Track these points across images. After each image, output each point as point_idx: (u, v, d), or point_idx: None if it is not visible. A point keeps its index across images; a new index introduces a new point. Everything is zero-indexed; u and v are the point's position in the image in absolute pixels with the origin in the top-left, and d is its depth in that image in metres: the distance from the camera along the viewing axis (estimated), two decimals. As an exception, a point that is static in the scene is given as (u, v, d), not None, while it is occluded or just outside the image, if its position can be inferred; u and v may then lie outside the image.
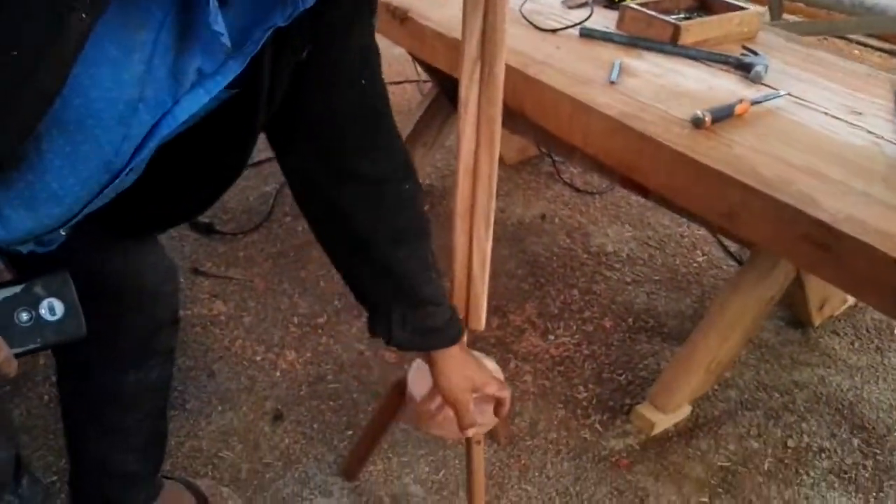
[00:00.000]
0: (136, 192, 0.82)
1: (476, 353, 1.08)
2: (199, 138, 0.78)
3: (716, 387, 1.67)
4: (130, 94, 0.67)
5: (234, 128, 0.80)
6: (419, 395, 1.09)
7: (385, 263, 0.93)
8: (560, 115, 1.41)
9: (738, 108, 1.32)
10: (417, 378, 1.12)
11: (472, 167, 0.95)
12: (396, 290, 0.94)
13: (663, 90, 1.41)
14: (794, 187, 1.14)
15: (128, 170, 0.74)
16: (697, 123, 1.27)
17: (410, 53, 1.93)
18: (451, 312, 0.98)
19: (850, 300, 1.88)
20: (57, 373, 1.14)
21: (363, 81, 0.85)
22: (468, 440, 1.11)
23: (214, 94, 0.71)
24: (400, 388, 1.18)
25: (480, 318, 1.04)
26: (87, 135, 0.68)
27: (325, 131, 0.86)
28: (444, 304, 0.97)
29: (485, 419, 1.05)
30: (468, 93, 0.90)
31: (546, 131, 1.48)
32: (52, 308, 0.73)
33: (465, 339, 1.01)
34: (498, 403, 1.03)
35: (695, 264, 2.07)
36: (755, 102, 1.35)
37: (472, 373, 0.99)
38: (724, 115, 1.30)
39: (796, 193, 1.12)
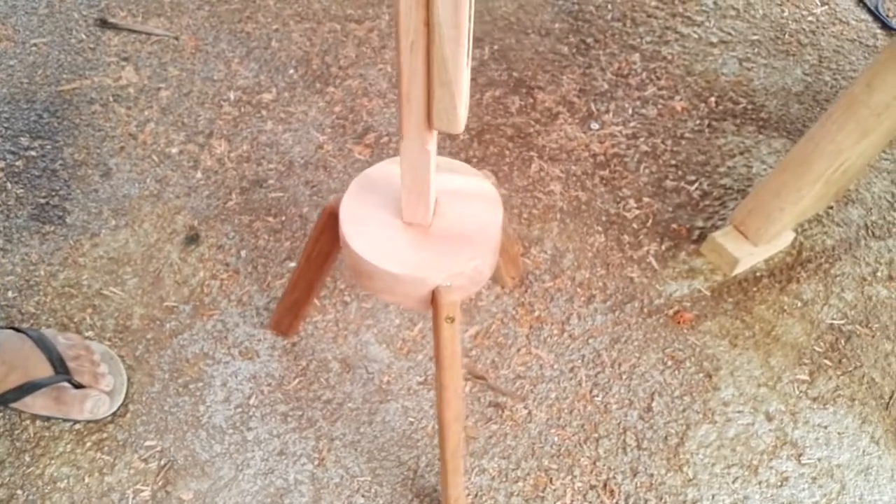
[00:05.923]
0: None
1: (448, 162, 0.62)
2: None
3: (831, 203, 1.15)
4: None
5: None
6: (357, 237, 0.65)
7: None
8: None
9: None
10: (356, 201, 0.68)
11: None
12: None
13: None
14: None
15: None
16: None
17: None
18: None
19: None
20: None
21: None
22: (435, 313, 0.65)
23: None
24: (333, 216, 0.73)
25: (456, 116, 0.53)
26: None
27: None
28: None
29: None
30: None
31: None
32: None
33: None
34: None
35: (810, 18, 1.45)
36: None
37: None
38: None
39: None
